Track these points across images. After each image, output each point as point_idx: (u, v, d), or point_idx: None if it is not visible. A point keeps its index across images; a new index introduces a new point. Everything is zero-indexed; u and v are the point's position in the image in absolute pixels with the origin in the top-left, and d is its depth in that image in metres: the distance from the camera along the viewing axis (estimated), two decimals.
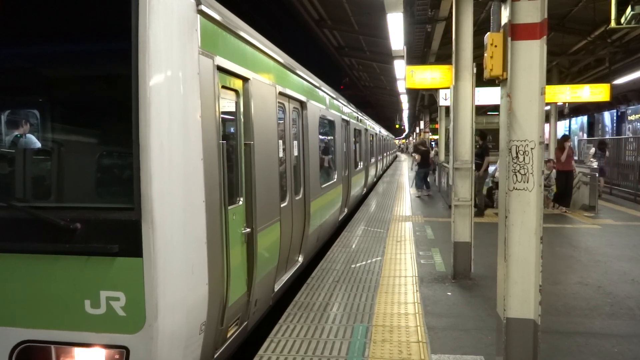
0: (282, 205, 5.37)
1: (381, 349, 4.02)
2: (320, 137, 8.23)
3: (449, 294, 5.60)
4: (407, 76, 11.88)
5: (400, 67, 14.51)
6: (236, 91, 4.19)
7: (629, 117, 24.16)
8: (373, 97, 39.32)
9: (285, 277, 5.70)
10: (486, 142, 11.44)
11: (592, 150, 15.71)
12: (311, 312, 4.90)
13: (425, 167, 15.91)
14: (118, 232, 2.92)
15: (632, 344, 4.19)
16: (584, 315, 4.89)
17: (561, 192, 11.71)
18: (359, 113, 14.99)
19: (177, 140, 3.07)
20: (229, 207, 3.79)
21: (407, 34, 11.12)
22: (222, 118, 3.82)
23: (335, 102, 9.83)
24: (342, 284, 5.84)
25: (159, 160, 2.93)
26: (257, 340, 4.64)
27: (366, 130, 16.50)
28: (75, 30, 3.16)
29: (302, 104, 6.67)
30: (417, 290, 5.58)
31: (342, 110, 10.92)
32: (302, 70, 6.70)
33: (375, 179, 20.40)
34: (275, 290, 5.21)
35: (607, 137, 23.15)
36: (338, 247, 7.86)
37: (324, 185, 7.99)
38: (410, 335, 4.30)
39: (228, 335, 3.96)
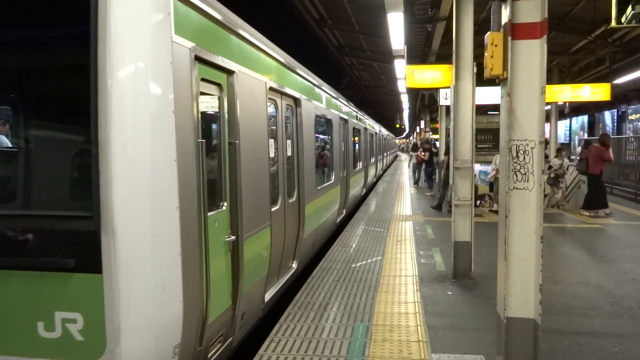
0: (273, 209, 5.02)
1: (381, 348, 4.02)
2: (317, 136, 7.91)
3: (449, 293, 5.60)
4: (408, 76, 11.87)
5: (400, 67, 14.50)
6: (219, 85, 3.81)
7: (629, 116, 24.16)
8: (373, 97, 39.33)
9: (278, 286, 5.40)
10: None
11: (579, 149, 15.81)
12: (311, 312, 4.90)
13: (432, 165, 16.00)
14: (75, 244, 2.56)
15: (633, 344, 4.19)
16: (584, 315, 4.89)
17: (599, 195, 10.72)
18: (358, 112, 14.69)
19: (145, 138, 2.68)
20: (210, 213, 3.48)
21: (408, 33, 11.12)
22: (203, 114, 3.47)
23: (332, 99, 9.50)
24: (343, 284, 5.84)
25: (121, 161, 2.56)
26: (257, 339, 4.64)
27: (365, 129, 16.11)
28: (25, 13, 2.77)
29: (296, 101, 6.32)
30: (417, 290, 5.58)
31: (340, 108, 10.55)
32: (296, 66, 6.34)
33: (375, 179, 20.08)
34: (266, 300, 4.89)
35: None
36: (338, 247, 7.86)
37: (320, 187, 7.65)
38: (410, 334, 4.30)
39: (209, 355, 3.62)
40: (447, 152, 11.89)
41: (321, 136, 8.97)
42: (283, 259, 5.60)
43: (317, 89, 7.85)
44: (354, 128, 12.71)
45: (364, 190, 15.35)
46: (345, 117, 11.16)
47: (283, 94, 5.65)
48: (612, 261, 6.94)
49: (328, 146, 9.34)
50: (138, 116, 2.66)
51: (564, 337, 4.32)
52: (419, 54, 14.87)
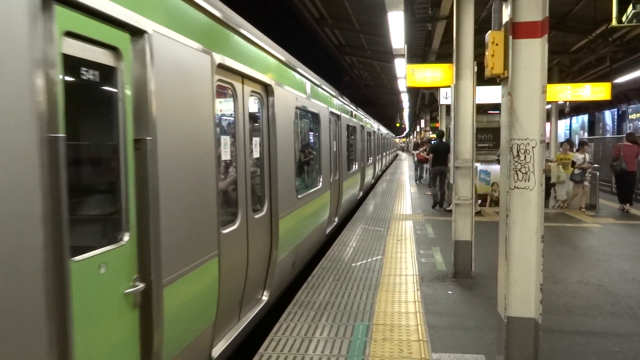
0: (225, 231, 3.78)
1: (382, 347, 4.02)
2: (298, 133, 6.70)
3: (450, 292, 5.60)
4: (408, 75, 11.88)
5: (400, 66, 14.51)
6: (114, 49, 2.48)
7: (629, 115, 24.15)
8: (374, 96, 39.35)
9: (238, 329, 4.19)
10: (441, 140, 12.47)
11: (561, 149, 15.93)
12: (312, 311, 4.89)
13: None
14: None
15: (633, 343, 4.18)
16: (585, 314, 4.89)
17: (631, 190, 11.71)
18: (354, 107, 13.45)
19: None
20: (82, 257, 2.21)
21: (408, 32, 11.11)
22: (71, 93, 2.20)
23: (321, 91, 8.08)
24: (343, 283, 5.83)
25: None
26: (258, 338, 4.64)
27: (362, 126, 14.82)
28: None
29: (268, 88, 4.98)
30: (417, 289, 5.58)
31: (331, 101, 9.12)
32: (267, 44, 4.97)
33: (373, 181, 19.06)
34: (215, 356, 3.68)
35: (608, 136, 23.17)
36: (338, 246, 7.86)
37: (302, 195, 6.34)
38: (410, 334, 4.30)
39: None
40: (430, 152, 12.74)
41: (305, 134, 7.74)
42: (245, 292, 4.40)
43: (299, 76, 6.44)
44: (347, 125, 11.47)
45: (361, 193, 14.25)
46: (338, 112, 9.86)
47: (246, 76, 4.38)
48: (612, 260, 6.94)
49: (314, 146, 8.02)
50: None
51: (565, 337, 4.32)
52: (419, 53, 14.87)
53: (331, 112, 9.03)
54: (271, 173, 5.05)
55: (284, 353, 3.93)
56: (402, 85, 19.79)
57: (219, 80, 3.79)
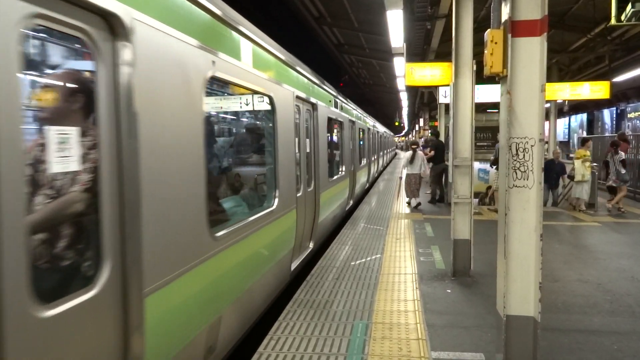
0: None
1: (381, 346, 4.02)
2: (237, 127, 4.67)
3: (449, 291, 5.60)
4: (407, 73, 11.89)
5: (399, 65, 14.54)
6: None
7: (628, 114, 24.17)
8: (373, 95, 39.37)
9: None
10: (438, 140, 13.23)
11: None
12: (311, 310, 4.90)
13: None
14: None
15: (632, 341, 4.19)
16: (584, 313, 4.89)
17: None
18: (342, 98, 10.74)
19: None
20: None
21: (407, 31, 11.12)
22: None
23: (276, 62, 5.25)
24: (342, 281, 5.83)
25: None
26: (257, 337, 4.64)
27: (352, 122, 12.16)
28: None
29: (113, 23, 2.36)
30: (416, 288, 5.58)
31: (301, 83, 6.52)
32: None
33: (368, 185, 16.66)
34: None
35: (607, 134, 23.19)
36: (337, 245, 7.86)
37: (229, 230, 3.75)
38: (409, 332, 4.30)
39: None
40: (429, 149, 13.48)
41: (245, 127, 5.42)
42: None
43: (222, 26, 3.77)
44: (330, 118, 8.74)
45: (351, 202, 11.86)
46: (313, 99, 7.23)
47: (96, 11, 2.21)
48: (611, 259, 6.95)
49: (265, 146, 5.63)
50: None
51: (564, 335, 4.33)
52: (418, 52, 14.88)
53: (300, 98, 6.42)
54: (127, 204, 2.47)
55: (283, 352, 3.93)
56: (401, 84, 19.82)
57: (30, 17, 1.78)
